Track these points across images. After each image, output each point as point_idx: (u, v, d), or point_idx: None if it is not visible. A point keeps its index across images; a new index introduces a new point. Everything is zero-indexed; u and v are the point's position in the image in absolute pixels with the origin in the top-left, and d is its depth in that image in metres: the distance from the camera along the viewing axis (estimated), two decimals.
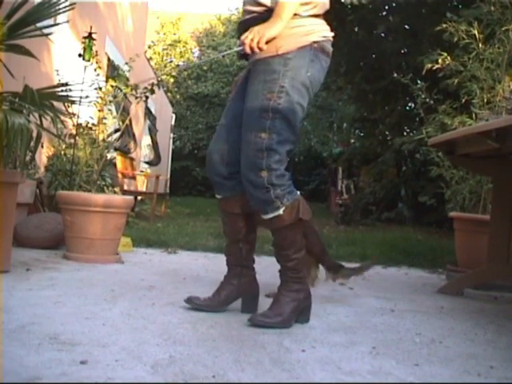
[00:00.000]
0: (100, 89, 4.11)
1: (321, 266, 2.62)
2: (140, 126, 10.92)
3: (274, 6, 1.94)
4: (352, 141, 13.51)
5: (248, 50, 1.93)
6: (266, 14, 1.96)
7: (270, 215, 1.95)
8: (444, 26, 4.06)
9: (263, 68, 1.97)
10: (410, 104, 9.42)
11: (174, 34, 20.93)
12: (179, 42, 20.81)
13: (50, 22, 3.85)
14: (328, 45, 2.05)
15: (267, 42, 1.92)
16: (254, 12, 2.02)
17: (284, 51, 1.95)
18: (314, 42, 1.99)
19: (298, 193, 2.01)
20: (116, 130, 4.84)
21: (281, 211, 1.93)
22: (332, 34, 2.07)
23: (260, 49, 1.92)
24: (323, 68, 2.04)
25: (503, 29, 3.77)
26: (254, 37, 1.91)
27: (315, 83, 2.02)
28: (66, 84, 3.00)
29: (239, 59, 2.25)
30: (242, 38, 1.94)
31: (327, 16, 2.08)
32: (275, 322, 1.92)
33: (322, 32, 2.03)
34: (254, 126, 1.94)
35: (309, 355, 1.63)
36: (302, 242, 2.02)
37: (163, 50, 20.57)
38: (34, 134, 2.53)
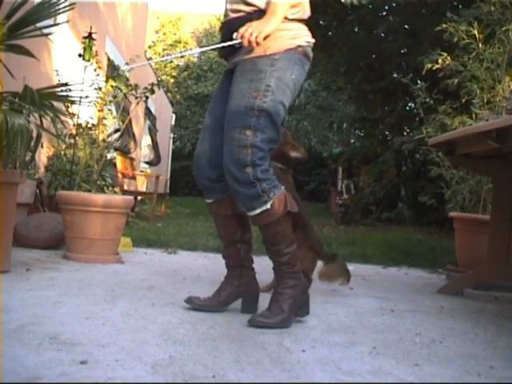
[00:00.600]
0: (100, 89, 4.11)
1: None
2: (140, 126, 10.92)
3: (267, 6, 1.97)
4: (352, 141, 13.50)
5: (246, 44, 1.94)
6: (255, 15, 1.98)
7: (258, 210, 1.94)
8: (444, 26, 4.06)
9: (250, 67, 1.99)
10: (410, 104, 9.41)
11: (175, 34, 20.94)
12: (179, 42, 20.83)
13: (50, 22, 3.86)
14: (310, 50, 2.10)
15: (264, 39, 1.93)
16: (241, 11, 2.03)
17: (271, 52, 1.98)
18: (299, 46, 2.03)
19: (283, 188, 2.01)
20: (116, 130, 4.84)
21: (268, 205, 1.93)
22: (313, 40, 2.11)
23: (258, 44, 1.93)
24: (305, 72, 2.10)
25: (503, 29, 3.77)
26: (253, 31, 1.91)
27: (297, 86, 2.07)
28: (66, 84, 3.00)
29: (220, 57, 2.25)
30: (241, 31, 1.93)
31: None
32: (275, 322, 1.92)
33: (306, 37, 2.08)
34: (239, 123, 1.94)
35: (309, 355, 1.63)
36: (292, 235, 2.02)
37: (163, 50, 20.57)
38: (34, 134, 2.53)
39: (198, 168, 2.13)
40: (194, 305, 2.10)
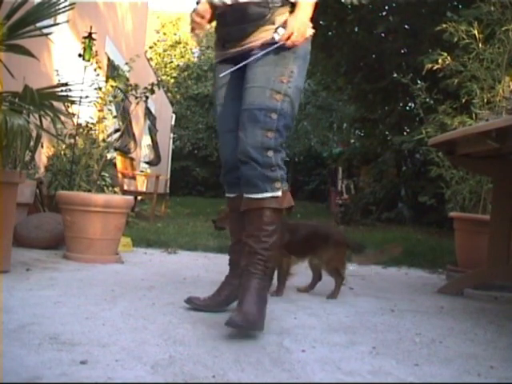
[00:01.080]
0: (100, 89, 4.11)
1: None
2: (140, 126, 10.92)
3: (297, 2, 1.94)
4: (352, 141, 13.51)
5: (290, 45, 1.91)
6: (273, 2, 1.94)
7: (269, 194, 1.90)
8: (444, 26, 4.06)
9: (273, 51, 1.95)
10: (410, 104, 9.41)
11: (175, 34, 20.94)
12: (179, 43, 20.82)
13: (50, 21, 3.86)
14: None
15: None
16: None
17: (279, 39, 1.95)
18: (309, 36, 2.01)
19: None
20: (116, 130, 4.84)
21: (280, 193, 1.92)
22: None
23: (296, 45, 1.92)
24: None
25: (503, 29, 3.77)
26: (298, 34, 1.89)
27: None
28: (66, 84, 3.00)
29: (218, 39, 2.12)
30: (288, 33, 1.88)
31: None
32: (253, 321, 1.77)
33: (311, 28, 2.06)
34: (264, 106, 1.91)
35: (309, 355, 1.63)
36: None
37: (164, 51, 20.57)
38: (34, 134, 2.53)
39: (228, 171, 2.13)
40: (194, 305, 2.10)
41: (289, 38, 1.89)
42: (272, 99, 1.91)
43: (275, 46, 1.92)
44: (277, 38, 1.92)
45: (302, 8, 1.93)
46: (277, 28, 1.93)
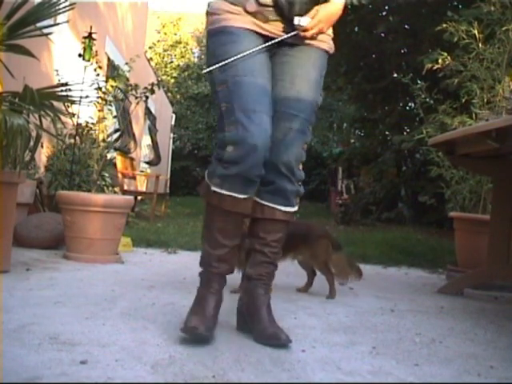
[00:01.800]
0: (100, 89, 4.11)
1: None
2: (140, 126, 10.92)
3: None
4: (352, 141, 13.51)
5: (308, 37, 1.76)
6: None
7: (293, 209, 1.85)
8: (444, 25, 4.06)
9: (321, 61, 1.86)
10: (410, 104, 9.42)
11: (175, 35, 20.94)
12: (180, 43, 20.82)
13: (50, 22, 3.86)
14: None
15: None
16: None
17: (332, 52, 1.91)
18: None
19: None
20: (116, 130, 4.84)
21: (297, 207, 1.89)
22: None
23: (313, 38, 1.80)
24: None
25: (503, 29, 3.77)
26: (322, 28, 1.75)
27: None
28: (66, 84, 3.00)
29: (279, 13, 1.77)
30: (311, 26, 1.72)
31: None
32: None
33: None
34: (310, 118, 1.83)
35: (309, 355, 1.63)
36: None
37: (164, 51, 20.57)
38: (34, 134, 2.53)
39: (256, 162, 1.67)
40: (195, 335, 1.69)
41: (311, 30, 1.72)
42: (313, 112, 1.85)
43: (293, 33, 1.74)
44: (297, 22, 1.70)
45: (334, 7, 1.79)
46: (299, 15, 1.71)
